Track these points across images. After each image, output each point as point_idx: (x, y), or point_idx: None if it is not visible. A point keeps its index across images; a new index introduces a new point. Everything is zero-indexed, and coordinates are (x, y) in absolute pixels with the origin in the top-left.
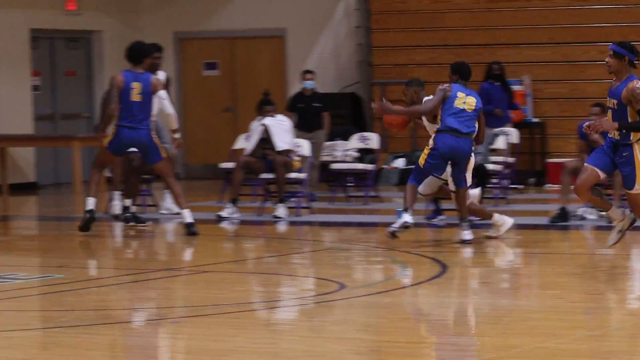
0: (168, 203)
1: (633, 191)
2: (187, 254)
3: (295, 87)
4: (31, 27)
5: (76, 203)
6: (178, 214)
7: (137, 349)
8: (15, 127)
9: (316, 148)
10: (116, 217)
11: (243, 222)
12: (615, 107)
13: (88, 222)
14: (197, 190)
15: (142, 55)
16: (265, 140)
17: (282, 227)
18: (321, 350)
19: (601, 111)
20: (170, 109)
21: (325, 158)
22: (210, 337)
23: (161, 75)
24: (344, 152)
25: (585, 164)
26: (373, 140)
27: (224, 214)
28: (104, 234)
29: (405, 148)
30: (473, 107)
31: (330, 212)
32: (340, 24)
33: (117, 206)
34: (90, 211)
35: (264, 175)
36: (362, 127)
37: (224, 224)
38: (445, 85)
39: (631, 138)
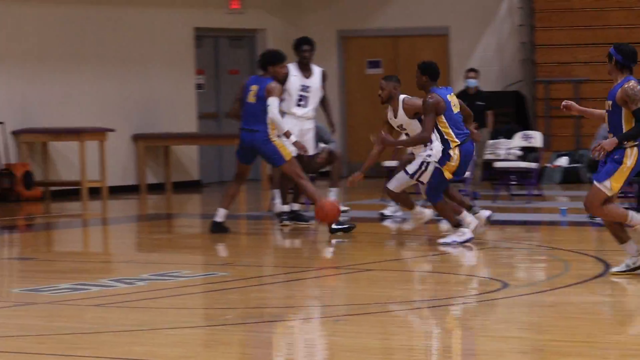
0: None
1: (600, 185)
2: (350, 252)
3: (458, 86)
4: (195, 26)
5: (240, 201)
6: (344, 211)
7: (299, 346)
8: (179, 126)
9: (479, 146)
10: (280, 215)
11: (406, 220)
12: (610, 109)
13: (217, 229)
14: (360, 189)
15: (267, 62)
16: None
17: (445, 225)
18: (484, 348)
19: None
20: (273, 114)
21: (488, 156)
22: (373, 336)
23: (316, 70)
24: (507, 150)
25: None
26: (536, 138)
27: (386, 212)
28: (267, 232)
29: (569, 146)
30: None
31: (493, 210)
32: (504, 22)
33: (278, 204)
34: (218, 224)
35: None
36: (525, 125)
37: (387, 222)
38: (430, 99)
39: (625, 143)
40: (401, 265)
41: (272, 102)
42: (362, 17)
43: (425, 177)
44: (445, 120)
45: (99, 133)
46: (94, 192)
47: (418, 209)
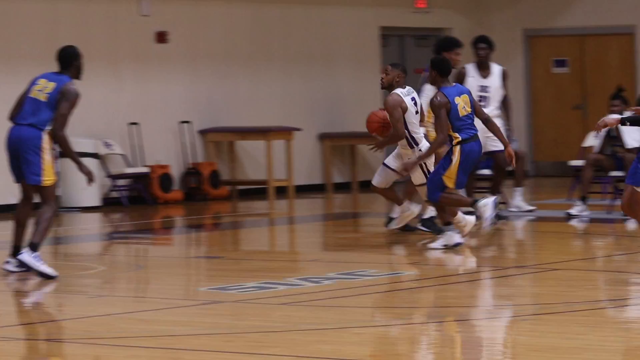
0: (517, 201)
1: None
2: (535, 252)
3: None
4: (381, 24)
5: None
6: (529, 210)
7: (486, 345)
8: (364, 125)
9: None
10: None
11: (592, 220)
12: None
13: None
14: (546, 188)
15: (441, 48)
16: (615, 138)
17: (632, 225)
18: None
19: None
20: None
21: None
22: (561, 335)
23: (496, 69)
24: None
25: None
26: None
27: (573, 211)
28: None
29: None
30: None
31: None
32: None
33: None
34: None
35: (614, 173)
36: None
37: (574, 222)
38: (436, 99)
39: None
40: (588, 264)
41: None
42: (548, 16)
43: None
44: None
45: (285, 132)
46: (281, 191)
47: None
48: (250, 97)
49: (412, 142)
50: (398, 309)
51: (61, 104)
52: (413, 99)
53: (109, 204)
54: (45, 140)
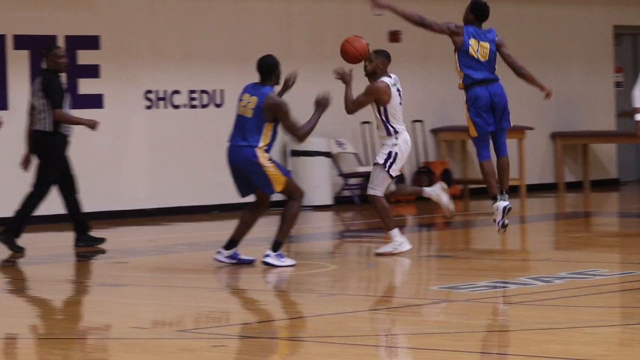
0: None
1: None
2: None
3: None
4: (614, 23)
5: None
6: None
7: None
8: (598, 124)
9: None
10: None
11: None
12: None
13: None
14: None
15: None
16: None
17: None
18: None
19: None
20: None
21: None
22: None
23: None
24: None
25: None
26: None
27: None
28: None
29: None
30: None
31: None
32: None
33: None
34: None
35: None
36: None
37: None
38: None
39: None
40: None
41: None
42: None
43: (395, 168)
44: None
45: (517, 131)
46: (512, 190)
47: (426, 190)
48: None
49: (392, 131)
50: (630, 309)
51: (281, 121)
52: (398, 89)
53: (340, 203)
54: (261, 156)
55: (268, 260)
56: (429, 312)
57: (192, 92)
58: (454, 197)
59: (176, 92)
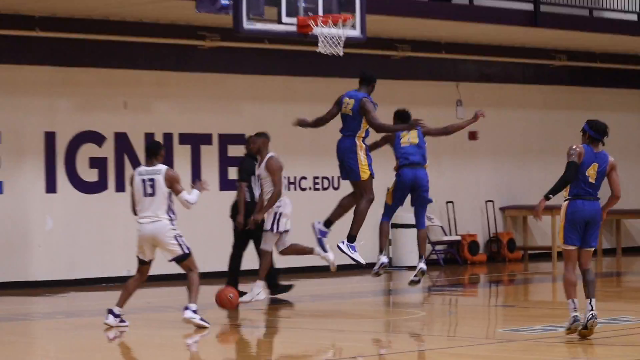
0: None
1: None
2: None
3: None
4: None
5: None
6: None
7: None
8: (630, 202)
9: None
10: None
11: None
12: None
13: None
14: None
15: None
16: None
17: None
18: None
19: None
20: None
21: None
22: None
23: None
24: None
25: None
26: None
27: None
28: None
29: None
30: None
31: None
32: None
33: None
34: None
35: None
36: None
37: None
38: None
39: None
40: None
41: None
42: None
43: (282, 226)
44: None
45: None
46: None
47: (316, 249)
48: (540, 181)
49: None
50: None
51: (366, 117)
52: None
53: (429, 264)
54: (358, 145)
55: (341, 246)
56: (496, 349)
57: (316, 177)
58: (516, 260)
59: (303, 177)
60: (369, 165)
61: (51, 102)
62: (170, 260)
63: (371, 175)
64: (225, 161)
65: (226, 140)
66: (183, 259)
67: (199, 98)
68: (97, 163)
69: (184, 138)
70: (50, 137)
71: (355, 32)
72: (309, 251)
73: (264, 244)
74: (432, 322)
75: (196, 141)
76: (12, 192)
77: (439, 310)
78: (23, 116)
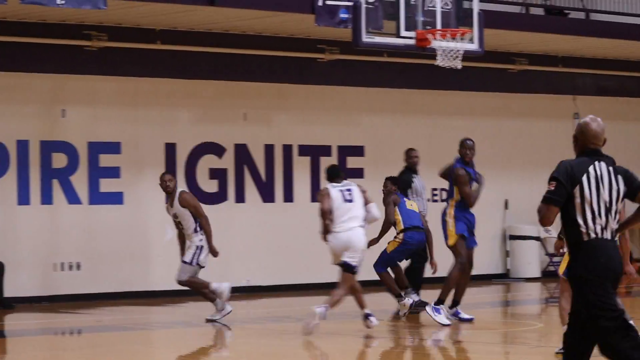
0: None
1: None
2: None
3: None
4: None
5: None
6: None
7: None
8: None
9: None
10: None
11: None
12: None
13: None
14: None
15: None
16: None
17: None
18: None
19: None
20: None
21: None
22: None
23: None
24: None
25: None
26: None
27: None
28: None
29: None
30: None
31: None
32: None
33: None
34: None
35: None
36: None
37: None
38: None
39: None
40: None
41: None
42: None
43: (202, 258)
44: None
45: None
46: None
47: (213, 285)
48: None
49: (197, 229)
50: None
51: (457, 186)
52: None
53: (547, 276)
54: (449, 212)
55: (427, 309)
56: None
57: (434, 189)
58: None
59: None
60: (457, 226)
61: (171, 114)
62: None
63: (462, 235)
64: (344, 172)
65: (345, 151)
66: None
67: (318, 110)
68: (217, 174)
69: (304, 149)
70: (170, 149)
71: (473, 46)
72: (206, 285)
73: (183, 273)
74: (549, 333)
75: (315, 153)
76: (132, 203)
77: (556, 322)
78: (143, 128)
